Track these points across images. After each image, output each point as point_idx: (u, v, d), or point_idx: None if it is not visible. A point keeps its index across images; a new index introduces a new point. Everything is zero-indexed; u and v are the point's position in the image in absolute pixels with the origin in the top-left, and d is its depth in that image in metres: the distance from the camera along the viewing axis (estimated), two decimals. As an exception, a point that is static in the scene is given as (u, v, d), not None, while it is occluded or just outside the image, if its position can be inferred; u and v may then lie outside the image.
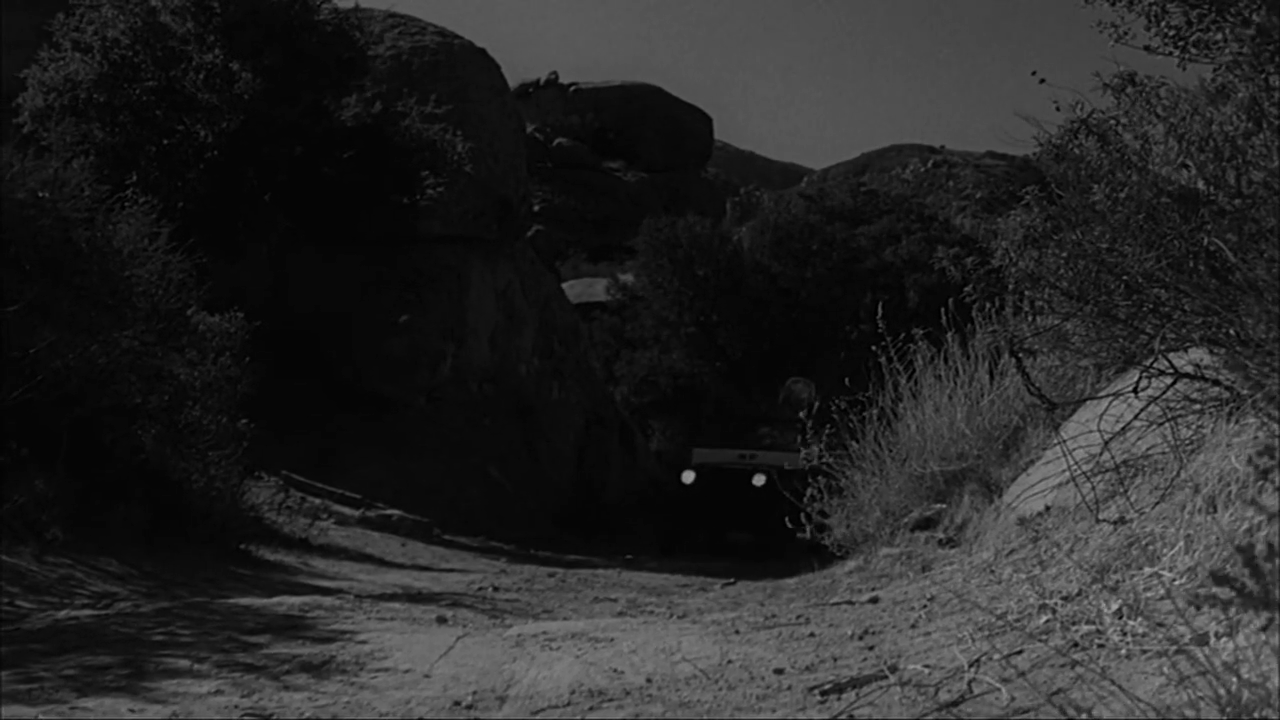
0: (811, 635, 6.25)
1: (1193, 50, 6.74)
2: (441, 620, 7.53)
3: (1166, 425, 5.73)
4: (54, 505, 10.20)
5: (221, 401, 13.11)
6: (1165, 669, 3.58)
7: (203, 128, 20.99)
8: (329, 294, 24.16)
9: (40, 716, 4.84)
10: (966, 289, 8.45)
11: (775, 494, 17.32)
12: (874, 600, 7.52)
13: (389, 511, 19.05)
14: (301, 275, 23.51)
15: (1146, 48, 6.77)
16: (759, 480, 19.05)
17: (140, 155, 20.19)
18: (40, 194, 10.86)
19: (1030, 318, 8.18)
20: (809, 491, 18.78)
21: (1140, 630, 4.08)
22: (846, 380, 11.56)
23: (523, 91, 59.38)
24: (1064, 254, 6.65)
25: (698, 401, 37.94)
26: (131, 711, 4.92)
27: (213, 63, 21.06)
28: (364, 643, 6.39)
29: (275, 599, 8.39)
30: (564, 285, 38.79)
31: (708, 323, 39.00)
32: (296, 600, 8.26)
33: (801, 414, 20.54)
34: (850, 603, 7.65)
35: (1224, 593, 2.87)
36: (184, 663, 5.84)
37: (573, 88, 67.25)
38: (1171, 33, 6.73)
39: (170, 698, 5.13)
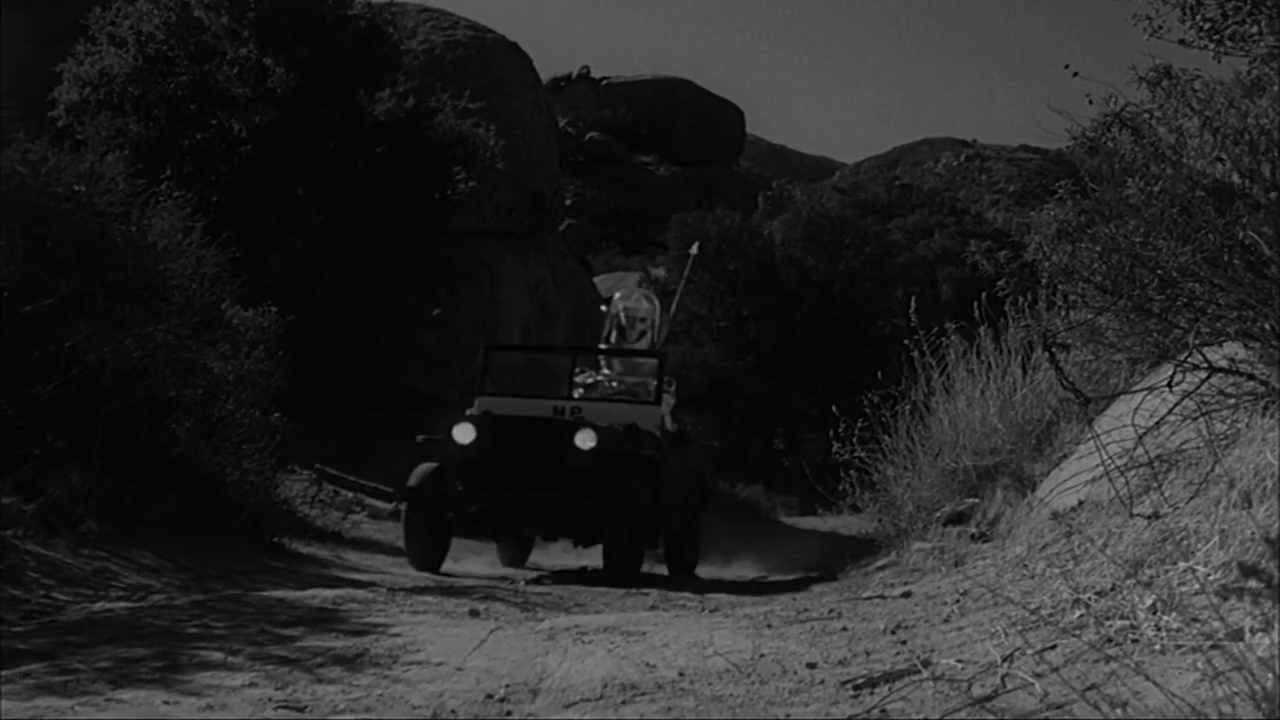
0: (844, 629, 6.25)
1: (1228, 43, 6.71)
2: (474, 614, 7.54)
3: (1201, 420, 5.71)
4: (89, 498, 10.24)
5: (255, 395, 13.15)
6: (1200, 664, 3.57)
7: (236, 122, 21.08)
8: (362, 288, 24.25)
9: (76, 708, 4.87)
10: (999, 283, 8.43)
11: (614, 468, 12.32)
12: (906, 595, 7.51)
13: (422, 505, 19.05)
14: (334, 270, 23.63)
15: (1181, 41, 6.75)
16: (585, 441, 12.16)
17: (174, 149, 20.29)
18: (76, 188, 10.91)
19: (1064, 312, 8.15)
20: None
21: (1174, 625, 4.07)
22: (879, 374, 11.55)
23: (555, 86, 59.45)
24: (1098, 248, 6.62)
25: (730, 396, 37.94)
26: (166, 704, 4.95)
27: (247, 57, 21.15)
28: (397, 636, 6.41)
29: (308, 592, 8.42)
30: (596, 279, 38.83)
31: (739, 317, 39.00)
32: (330, 593, 8.28)
33: (641, 340, 14.96)
34: (882, 597, 7.65)
35: (1254, 585, 2.86)
36: (218, 655, 5.86)
37: (604, 82, 67.32)
38: (1207, 25, 6.71)
39: (204, 690, 5.15)
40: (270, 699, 5.01)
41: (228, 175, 20.56)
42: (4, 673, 5.42)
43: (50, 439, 10.31)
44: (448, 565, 12.55)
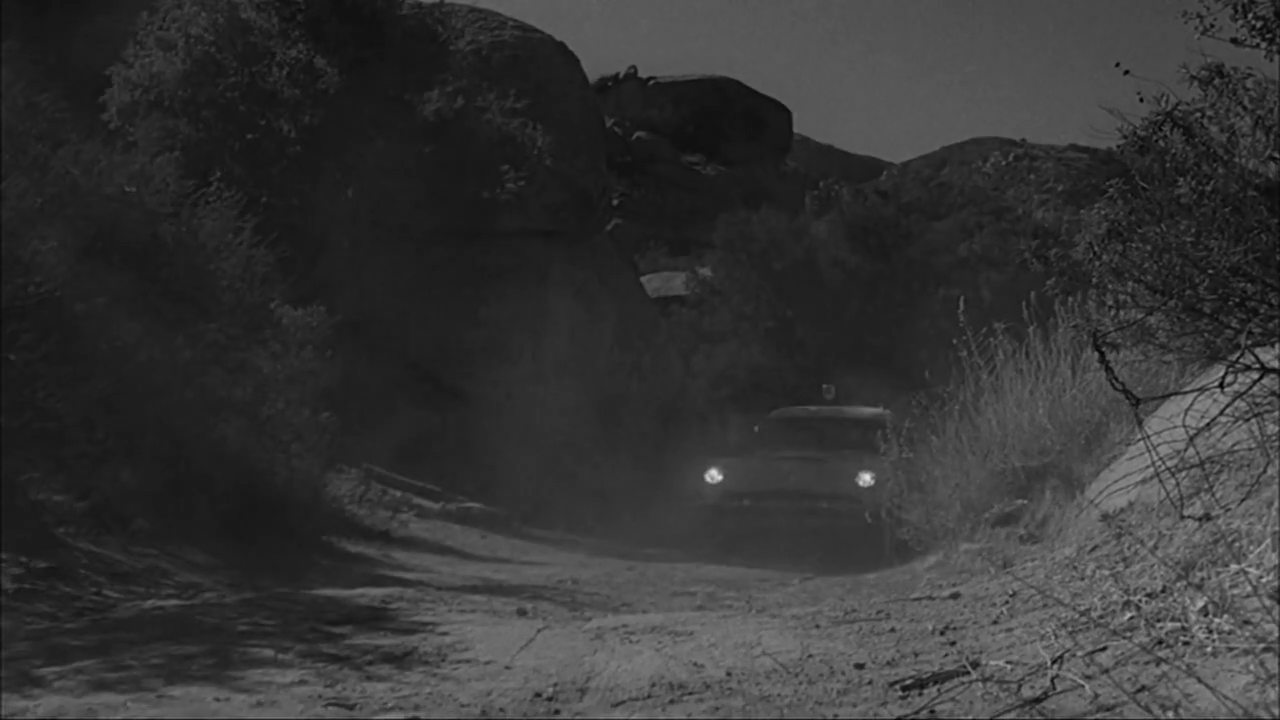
0: (892, 630, 6.24)
1: (1280, 42, 6.64)
2: (522, 613, 7.57)
3: (1253, 421, 5.67)
4: (139, 496, 10.34)
5: (304, 394, 13.22)
6: (1252, 666, 3.55)
7: (285, 122, 21.17)
8: (409, 287, 24.31)
9: (129, 704, 4.91)
10: (1049, 282, 8.39)
11: None
12: (955, 596, 7.49)
13: (469, 504, 19.12)
14: (382, 269, 23.69)
15: (1233, 39, 6.68)
16: None
17: (224, 150, 20.39)
18: (127, 189, 11.00)
19: (1113, 312, 8.11)
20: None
21: (1226, 627, 4.04)
22: (927, 374, 11.52)
23: (602, 86, 59.44)
24: (1148, 248, 6.58)
25: (776, 396, 37.87)
26: (217, 700, 4.98)
27: (296, 58, 21.24)
28: (445, 634, 6.44)
29: (357, 590, 8.46)
30: (643, 279, 38.85)
31: (785, 317, 38.91)
32: (378, 592, 8.32)
33: None
34: (931, 598, 7.62)
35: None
36: (268, 653, 5.90)
37: (651, 81, 67.27)
38: (1259, 24, 6.64)
39: (255, 687, 5.19)
40: (320, 696, 5.04)
41: (277, 175, 20.65)
42: (58, 669, 5.47)
43: (102, 438, 10.40)
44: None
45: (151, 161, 12.11)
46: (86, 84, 19.99)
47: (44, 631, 6.78)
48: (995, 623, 5.97)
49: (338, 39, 21.56)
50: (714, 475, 16.94)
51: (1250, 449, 5.72)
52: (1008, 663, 4.73)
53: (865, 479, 15.15)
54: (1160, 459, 6.11)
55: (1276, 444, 5.47)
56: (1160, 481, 6.10)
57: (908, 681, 4.78)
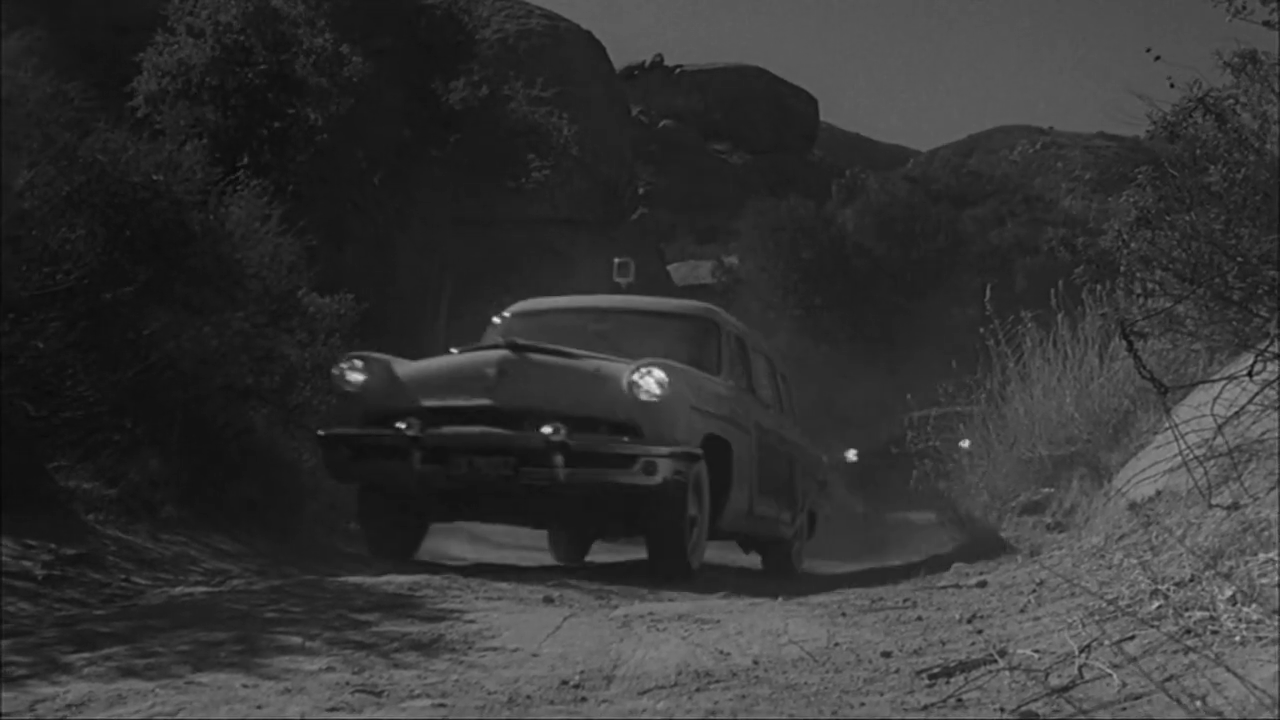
0: (919, 619, 6.23)
1: (1313, 27, 6.60)
2: (548, 600, 7.57)
3: (1282, 409, 5.66)
4: (168, 484, 10.35)
5: (331, 382, 13.23)
6: (1281, 656, 3.54)
7: (313, 111, 21.22)
8: (436, 275, 24.36)
9: (157, 690, 4.92)
10: (1076, 270, 8.38)
11: None
12: (982, 584, 7.49)
13: (495, 491, 19.11)
14: (408, 257, 23.74)
15: (1265, 23, 6.64)
16: None
17: (251, 138, 20.44)
18: (155, 176, 11.02)
19: (1142, 300, 8.09)
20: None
21: (1255, 617, 4.03)
22: (954, 363, 11.51)
23: (628, 74, 59.44)
24: (1177, 235, 6.56)
25: (802, 385, 37.84)
26: (245, 686, 4.99)
27: (323, 46, 21.27)
28: (472, 622, 6.44)
29: (384, 577, 8.46)
30: (669, 267, 38.85)
31: (812, 305, 38.90)
32: (405, 579, 8.32)
33: None
34: (958, 586, 7.62)
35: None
36: (296, 640, 5.90)
37: (678, 70, 67.29)
38: (1291, 8, 6.60)
39: (282, 674, 5.20)
40: (347, 683, 5.05)
41: (304, 163, 20.71)
42: (87, 655, 5.49)
43: (130, 425, 10.42)
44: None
45: (179, 149, 12.13)
46: (115, 71, 20.05)
47: (73, 618, 6.80)
48: (1023, 611, 5.96)
49: (364, 28, 21.62)
50: (352, 375, 9.95)
51: (1279, 437, 5.70)
52: (1035, 651, 4.72)
53: (647, 387, 8.87)
54: (1188, 447, 6.09)
55: (1306, 433, 5.45)
56: (1188, 470, 6.09)
57: (935, 670, 4.77)
